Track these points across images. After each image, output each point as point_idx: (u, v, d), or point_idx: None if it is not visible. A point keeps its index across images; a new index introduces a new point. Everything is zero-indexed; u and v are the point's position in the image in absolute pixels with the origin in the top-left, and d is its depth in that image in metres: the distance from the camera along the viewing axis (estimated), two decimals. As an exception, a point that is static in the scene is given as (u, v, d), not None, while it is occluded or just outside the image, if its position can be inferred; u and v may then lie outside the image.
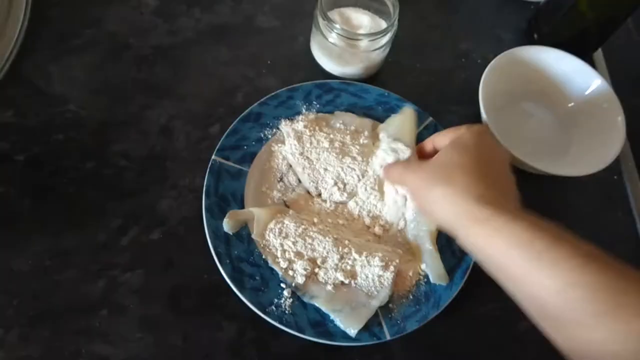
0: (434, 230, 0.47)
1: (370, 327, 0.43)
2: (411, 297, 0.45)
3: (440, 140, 0.45)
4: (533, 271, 0.32)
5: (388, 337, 0.43)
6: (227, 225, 0.45)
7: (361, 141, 0.50)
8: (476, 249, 0.36)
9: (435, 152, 0.45)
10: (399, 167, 0.46)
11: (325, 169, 0.50)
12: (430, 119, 0.54)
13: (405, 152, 0.48)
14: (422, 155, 0.47)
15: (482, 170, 0.38)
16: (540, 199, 0.56)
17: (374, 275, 0.44)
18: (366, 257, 0.45)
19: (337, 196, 0.49)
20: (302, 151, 0.50)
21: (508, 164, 0.41)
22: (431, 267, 0.46)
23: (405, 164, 0.46)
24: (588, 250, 0.32)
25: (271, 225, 0.46)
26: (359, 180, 0.49)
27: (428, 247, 0.47)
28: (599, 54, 0.65)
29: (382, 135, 0.50)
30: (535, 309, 0.34)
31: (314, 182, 0.49)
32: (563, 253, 0.31)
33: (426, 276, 0.46)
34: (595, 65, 0.63)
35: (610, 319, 0.30)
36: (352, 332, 0.43)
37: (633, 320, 0.29)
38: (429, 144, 0.46)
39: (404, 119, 0.50)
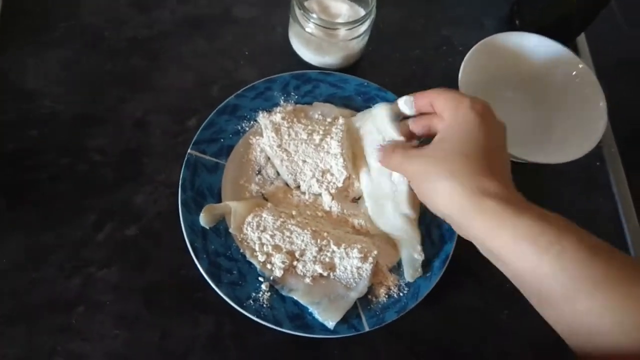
0: (415, 219, 0.47)
1: (349, 318, 0.43)
2: (390, 287, 0.45)
3: (441, 105, 0.40)
4: (538, 265, 0.32)
5: (367, 329, 0.43)
6: (204, 220, 0.45)
7: (334, 129, 0.49)
8: (479, 241, 0.36)
9: (430, 111, 0.42)
10: (397, 155, 0.42)
11: (304, 161, 0.49)
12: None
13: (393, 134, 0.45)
14: (418, 110, 0.43)
15: (485, 159, 0.37)
16: (522, 185, 0.55)
17: (352, 267, 0.44)
18: (345, 249, 0.44)
19: (316, 188, 0.48)
20: (280, 143, 0.49)
21: (505, 144, 0.40)
22: (407, 261, 0.46)
23: (404, 151, 0.42)
24: (593, 243, 0.32)
25: (249, 218, 0.46)
26: (340, 173, 0.48)
27: (408, 240, 0.46)
28: (582, 39, 0.64)
29: (359, 125, 0.49)
30: (537, 298, 0.34)
31: (292, 175, 0.49)
32: (568, 247, 0.31)
33: (406, 267, 0.46)
34: (578, 51, 0.62)
35: (619, 310, 0.30)
36: (331, 324, 0.42)
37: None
38: (424, 99, 0.42)
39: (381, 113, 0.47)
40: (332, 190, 0.48)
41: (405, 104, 0.44)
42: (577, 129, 0.53)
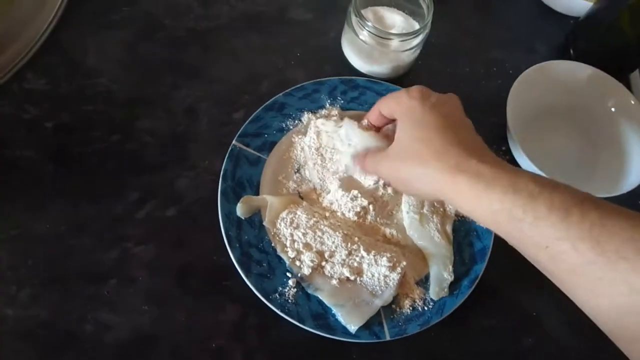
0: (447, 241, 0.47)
1: (371, 325, 0.43)
2: (415, 300, 0.45)
3: (387, 110, 0.43)
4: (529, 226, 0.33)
5: (388, 338, 0.43)
6: (240, 210, 0.46)
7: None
8: (467, 213, 0.37)
9: (386, 121, 0.45)
10: (369, 160, 0.45)
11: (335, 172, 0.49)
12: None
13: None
14: (377, 128, 0.47)
15: (447, 133, 0.38)
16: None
17: (380, 274, 0.44)
18: (374, 255, 0.45)
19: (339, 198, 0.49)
20: (319, 147, 0.50)
21: (461, 112, 0.42)
22: (435, 279, 0.46)
23: (373, 156, 0.44)
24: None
25: (283, 214, 0.46)
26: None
27: (437, 258, 0.47)
28: (636, 75, 0.63)
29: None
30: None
31: (320, 180, 0.49)
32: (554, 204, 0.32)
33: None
34: (630, 87, 0.61)
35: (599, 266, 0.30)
36: (353, 328, 0.43)
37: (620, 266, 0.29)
38: (374, 114, 0.45)
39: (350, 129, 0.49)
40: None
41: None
42: (622, 166, 0.52)
